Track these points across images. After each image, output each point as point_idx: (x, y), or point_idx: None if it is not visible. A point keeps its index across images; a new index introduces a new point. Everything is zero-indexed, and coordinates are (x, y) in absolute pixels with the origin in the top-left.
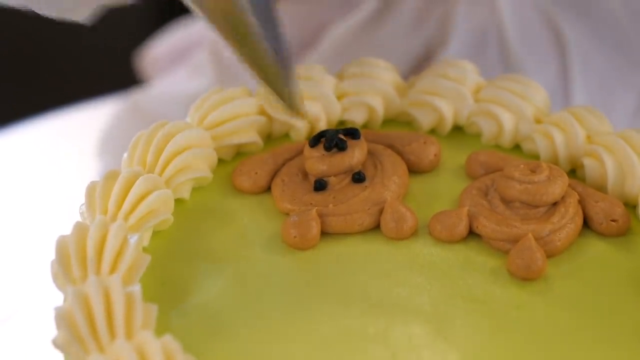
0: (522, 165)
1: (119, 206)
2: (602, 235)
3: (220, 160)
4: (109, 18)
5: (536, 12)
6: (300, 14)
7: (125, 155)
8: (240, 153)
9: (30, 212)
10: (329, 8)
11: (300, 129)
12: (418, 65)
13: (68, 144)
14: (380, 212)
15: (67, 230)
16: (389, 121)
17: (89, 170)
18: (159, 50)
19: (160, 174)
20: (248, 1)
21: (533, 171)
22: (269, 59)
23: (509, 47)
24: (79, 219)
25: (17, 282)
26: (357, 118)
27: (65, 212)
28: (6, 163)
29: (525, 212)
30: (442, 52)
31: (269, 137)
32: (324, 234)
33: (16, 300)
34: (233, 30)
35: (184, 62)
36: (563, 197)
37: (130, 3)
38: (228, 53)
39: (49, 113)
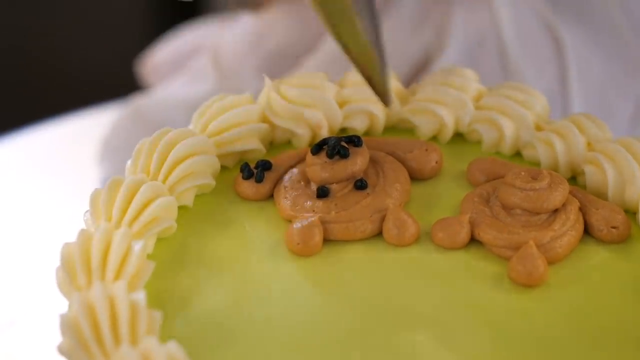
0: (523, 173)
1: (123, 213)
2: (602, 242)
3: (223, 167)
4: (110, 25)
5: (534, 17)
6: (300, 19)
7: (128, 162)
8: (242, 160)
9: (33, 218)
10: None
11: (302, 136)
12: (417, 71)
13: (70, 151)
14: (383, 219)
15: (71, 236)
16: (390, 128)
17: (92, 176)
18: (160, 56)
19: (164, 181)
20: None
21: (534, 178)
22: (369, 46)
23: (507, 53)
24: (83, 225)
25: (22, 287)
26: (358, 125)
27: (68, 218)
28: (9, 170)
29: (527, 219)
30: (441, 58)
31: (271, 144)
32: (327, 241)
33: (21, 306)
34: (337, 15)
35: (185, 68)
36: (564, 204)
37: None
38: (228, 59)
39: (50, 120)
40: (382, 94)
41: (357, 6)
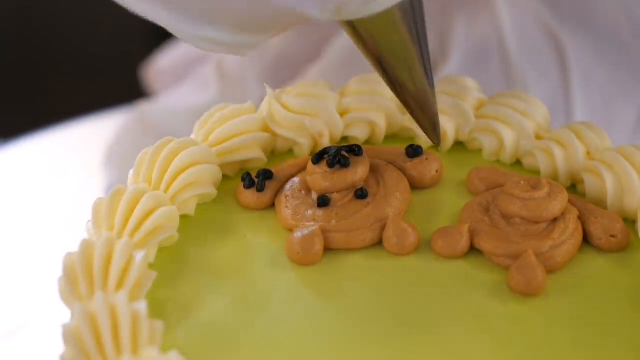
0: (522, 182)
1: (125, 223)
2: (601, 250)
3: (225, 177)
4: (115, 31)
5: (537, 25)
6: (303, 27)
7: (131, 171)
8: (244, 169)
9: (37, 224)
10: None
11: (303, 145)
12: None
13: (75, 157)
14: (383, 228)
15: (73, 243)
16: (391, 137)
17: (96, 182)
18: (164, 63)
19: (166, 191)
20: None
21: (533, 187)
22: (427, 87)
23: (510, 60)
24: (85, 234)
25: (24, 296)
26: (359, 134)
27: (71, 224)
28: (14, 176)
29: (526, 228)
30: (444, 66)
31: (273, 153)
32: (327, 249)
33: (23, 314)
34: (400, 61)
35: (189, 75)
36: (563, 213)
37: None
38: (231, 66)
39: (55, 126)
40: (433, 134)
41: (418, 47)
